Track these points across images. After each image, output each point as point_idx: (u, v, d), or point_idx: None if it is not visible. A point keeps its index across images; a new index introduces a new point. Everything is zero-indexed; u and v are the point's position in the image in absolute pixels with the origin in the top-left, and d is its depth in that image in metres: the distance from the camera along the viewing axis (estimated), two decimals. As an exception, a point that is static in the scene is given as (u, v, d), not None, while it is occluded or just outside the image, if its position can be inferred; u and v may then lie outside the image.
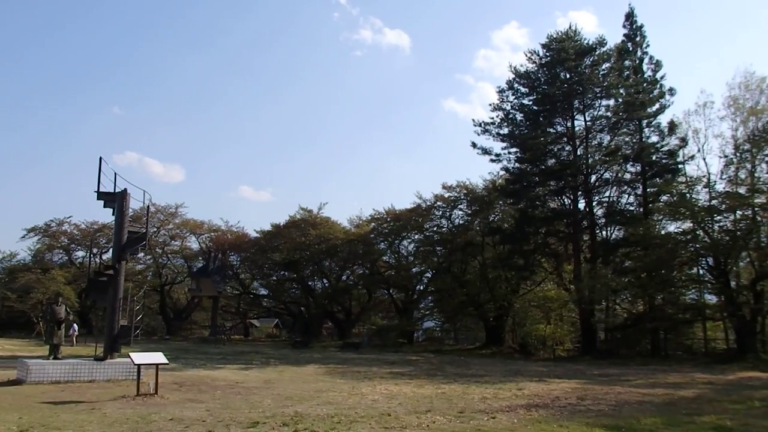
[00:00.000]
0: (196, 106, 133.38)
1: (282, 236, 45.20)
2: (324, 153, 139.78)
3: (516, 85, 35.43)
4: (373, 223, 45.12)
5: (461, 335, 45.90)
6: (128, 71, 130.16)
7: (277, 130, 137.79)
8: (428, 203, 41.52)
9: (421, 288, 44.39)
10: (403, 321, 41.88)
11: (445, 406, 12.14)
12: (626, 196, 34.50)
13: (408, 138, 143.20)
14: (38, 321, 41.04)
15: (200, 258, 51.31)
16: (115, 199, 16.97)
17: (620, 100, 32.97)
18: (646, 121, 33.23)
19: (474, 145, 35.74)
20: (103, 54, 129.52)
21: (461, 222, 41.04)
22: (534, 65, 34.99)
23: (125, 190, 17.17)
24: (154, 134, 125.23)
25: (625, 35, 34.25)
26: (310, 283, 48.58)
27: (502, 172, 36.90)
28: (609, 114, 33.60)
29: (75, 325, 28.25)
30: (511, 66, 37.09)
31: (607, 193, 34.67)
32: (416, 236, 43.32)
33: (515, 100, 35.59)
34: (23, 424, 9.27)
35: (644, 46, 34.05)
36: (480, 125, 35.76)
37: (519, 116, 35.60)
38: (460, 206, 40.83)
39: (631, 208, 33.95)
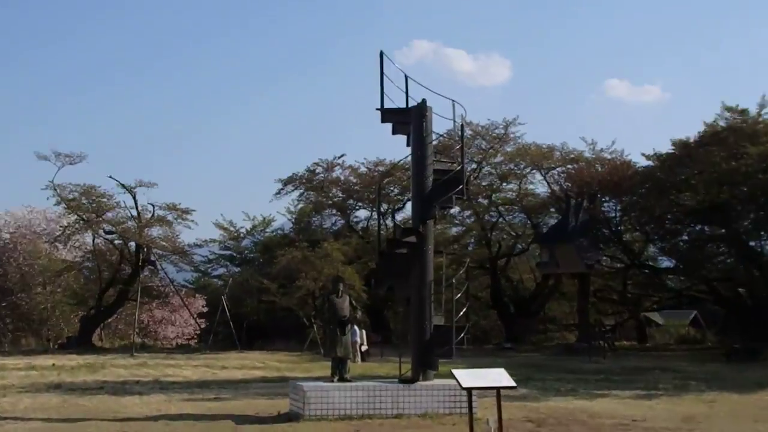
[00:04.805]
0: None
1: (694, 161, 27.57)
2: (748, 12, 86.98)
3: None
4: None
5: None
6: None
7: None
8: None
9: None
10: None
11: None
12: None
13: None
14: (311, 323, 29.86)
15: (551, 209, 34.53)
16: (409, 119, 11.68)
17: None
18: None
19: None
20: None
21: None
22: None
23: (424, 101, 11.60)
24: (451, 12, 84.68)
25: None
26: (752, 243, 29.20)
27: None
28: None
29: (357, 329, 21.01)
30: None
31: None
32: None
33: None
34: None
35: None
36: None
37: None
38: None
39: None
